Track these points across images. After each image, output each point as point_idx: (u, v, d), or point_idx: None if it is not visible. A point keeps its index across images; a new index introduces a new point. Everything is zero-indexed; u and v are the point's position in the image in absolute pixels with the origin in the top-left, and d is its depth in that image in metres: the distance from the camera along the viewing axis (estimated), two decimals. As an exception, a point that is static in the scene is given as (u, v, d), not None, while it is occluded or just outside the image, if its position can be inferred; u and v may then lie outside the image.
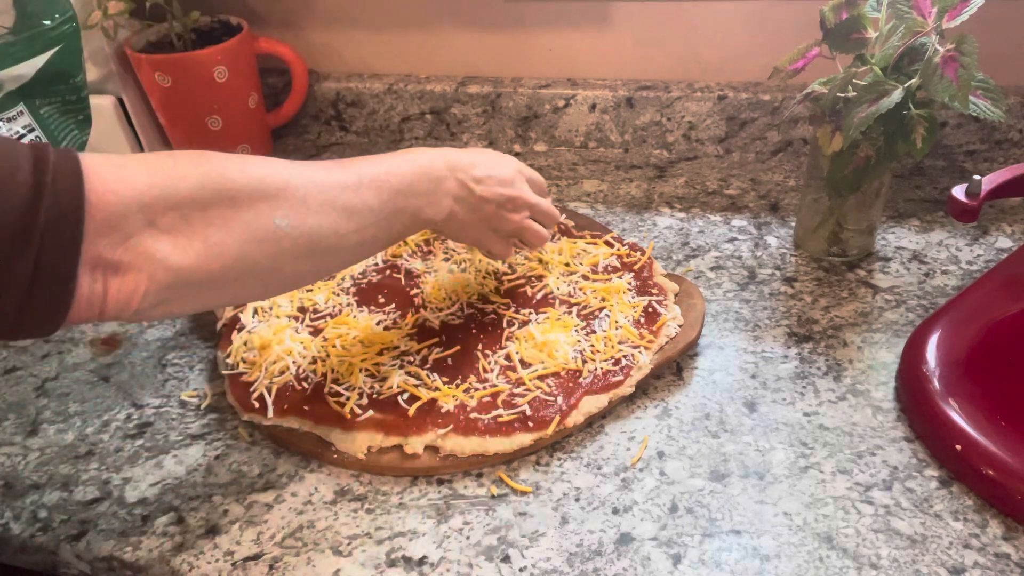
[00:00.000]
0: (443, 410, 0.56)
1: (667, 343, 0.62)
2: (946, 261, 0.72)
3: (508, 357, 0.60)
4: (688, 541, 0.50)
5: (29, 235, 0.36)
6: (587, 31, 0.90)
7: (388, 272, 0.70)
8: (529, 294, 0.66)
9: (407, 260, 0.72)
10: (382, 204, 0.50)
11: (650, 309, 0.64)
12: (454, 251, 0.72)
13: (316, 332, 0.64)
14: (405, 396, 0.58)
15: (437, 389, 0.58)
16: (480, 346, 0.62)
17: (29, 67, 0.64)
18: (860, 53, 0.64)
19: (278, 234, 0.45)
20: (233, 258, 0.43)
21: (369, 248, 0.51)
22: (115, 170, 0.40)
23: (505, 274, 0.69)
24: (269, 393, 0.59)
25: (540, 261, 0.70)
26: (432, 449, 0.55)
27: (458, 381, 0.59)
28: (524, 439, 0.55)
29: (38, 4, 0.65)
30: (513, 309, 0.65)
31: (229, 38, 0.86)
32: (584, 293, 0.66)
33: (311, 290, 0.68)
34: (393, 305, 0.66)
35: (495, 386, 0.58)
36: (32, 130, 0.67)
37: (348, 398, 0.57)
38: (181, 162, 0.42)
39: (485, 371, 0.59)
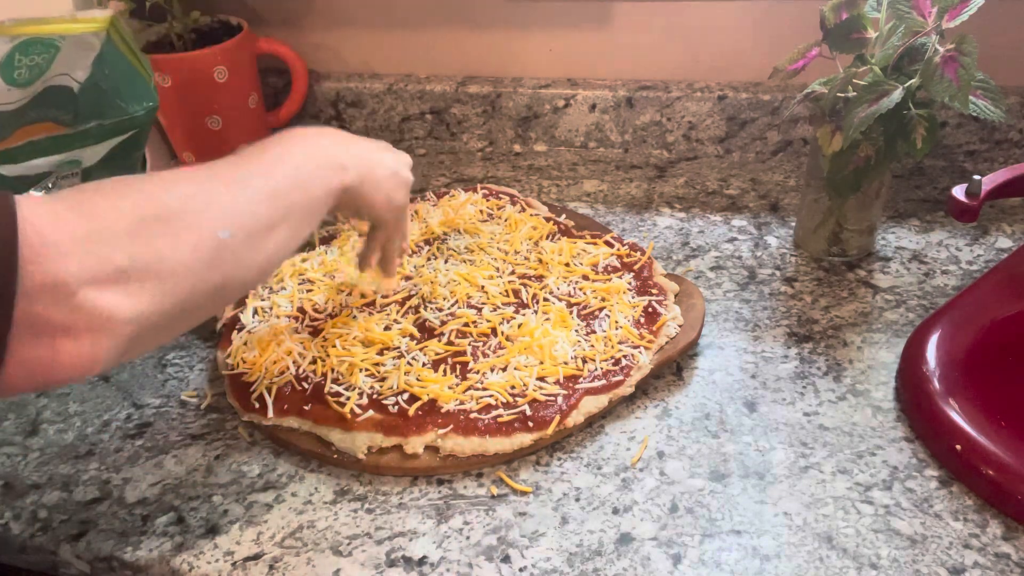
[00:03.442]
0: (443, 410, 0.56)
1: (667, 343, 0.62)
2: (946, 261, 0.72)
3: (508, 357, 0.60)
4: (688, 541, 0.50)
5: None
6: (587, 31, 0.90)
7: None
8: (529, 294, 0.66)
9: (407, 260, 0.72)
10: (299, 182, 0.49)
11: (650, 309, 0.64)
12: (454, 251, 0.72)
13: (316, 332, 0.64)
14: (405, 396, 0.58)
15: (437, 389, 0.58)
16: (480, 346, 0.62)
17: (104, 147, 0.65)
18: (860, 53, 0.64)
19: (224, 247, 0.43)
20: (189, 288, 0.41)
21: (299, 228, 0.49)
22: (52, 219, 0.37)
23: (506, 273, 0.69)
24: (269, 393, 0.59)
25: (540, 261, 0.70)
26: (432, 449, 0.55)
27: (458, 381, 0.59)
28: (524, 439, 0.55)
29: (125, 88, 0.65)
30: (513, 309, 0.65)
31: (229, 38, 0.86)
32: (584, 293, 0.66)
33: (311, 290, 0.68)
34: (393, 305, 0.66)
35: (495, 386, 0.58)
36: None
37: (348, 398, 0.57)
38: (109, 197, 0.40)
39: (485, 371, 0.59)
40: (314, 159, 0.51)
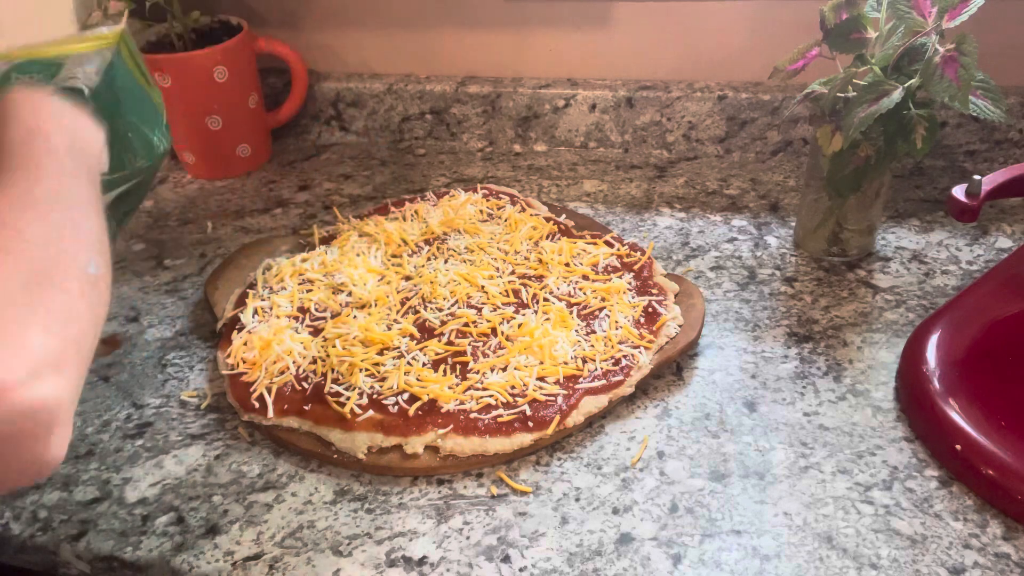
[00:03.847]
0: (443, 410, 0.56)
1: (667, 343, 0.62)
2: (946, 261, 0.72)
3: (508, 357, 0.60)
4: (688, 541, 0.50)
5: None
6: (587, 31, 0.90)
7: (388, 272, 0.70)
8: (529, 294, 0.66)
9: (407, 260, 0.72)
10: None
11: (650, 309, 0.64)
12: (454, 251, 0.72)
13: (316, 332, 0.64)
14: (405, 396, 0.58)
15: (437, 389, 0.58)
16: (480, 346, 0.62)
17: (111, 196, 0.62)
18: (860, 53, 0.64)
19: (99, 280, 0.40)
20: (94, 335, 0.39)
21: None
22: None
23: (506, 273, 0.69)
24: (269, 393, 0.59)
25: (540, 261, 0.70)
26: (432, 449, 0.55)
27: (458, 381, 0.59)
28: (524, 439, 0.55)
29: (139, 140, 0.62)
30: (513, 309, 0.65)
31: (229, 38, 0.86)
32: (584, 293, 0.66)
33: (311, 290, 0.68)
34: (393, 305, 0.66)
35: (495, 386, 0.58)
36: None
37: (348, 398, 0.57)
38: None
39: (485, 371, 0.59)
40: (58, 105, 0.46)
